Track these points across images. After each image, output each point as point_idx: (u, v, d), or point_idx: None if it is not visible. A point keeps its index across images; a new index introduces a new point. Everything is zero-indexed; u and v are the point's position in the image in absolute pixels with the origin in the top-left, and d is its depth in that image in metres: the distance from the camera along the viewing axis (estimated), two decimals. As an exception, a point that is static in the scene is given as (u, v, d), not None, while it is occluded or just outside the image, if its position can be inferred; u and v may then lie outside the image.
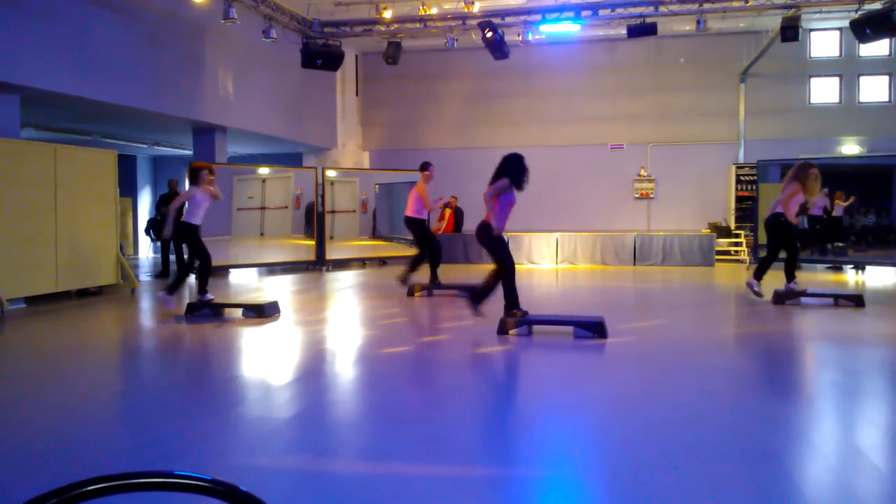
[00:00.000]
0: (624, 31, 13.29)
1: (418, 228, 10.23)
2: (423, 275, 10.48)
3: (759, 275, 9.27)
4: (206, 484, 1.10)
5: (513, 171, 7.10)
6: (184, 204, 8.52)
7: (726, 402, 4.71)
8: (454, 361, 6.25)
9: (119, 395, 5.28)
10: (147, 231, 16.48)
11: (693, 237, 15.46)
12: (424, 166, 10.28)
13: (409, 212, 10.23)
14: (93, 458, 3.68)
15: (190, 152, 16.11)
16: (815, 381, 5.57)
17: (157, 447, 3.83)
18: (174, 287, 8.63)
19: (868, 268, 14.35)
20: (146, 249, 20.25)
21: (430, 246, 10.23)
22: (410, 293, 10.17)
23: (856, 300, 8.88)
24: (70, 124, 14.05)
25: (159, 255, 14.99)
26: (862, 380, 5.49)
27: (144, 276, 13.83)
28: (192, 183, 8.62)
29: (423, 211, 10.18)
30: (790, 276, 9.03)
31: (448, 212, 17.05)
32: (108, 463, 3.62)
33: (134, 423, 4.43)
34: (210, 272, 8.69)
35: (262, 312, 8.21)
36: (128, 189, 18.97)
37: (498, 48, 13.55)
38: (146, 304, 10.09)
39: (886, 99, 17.33)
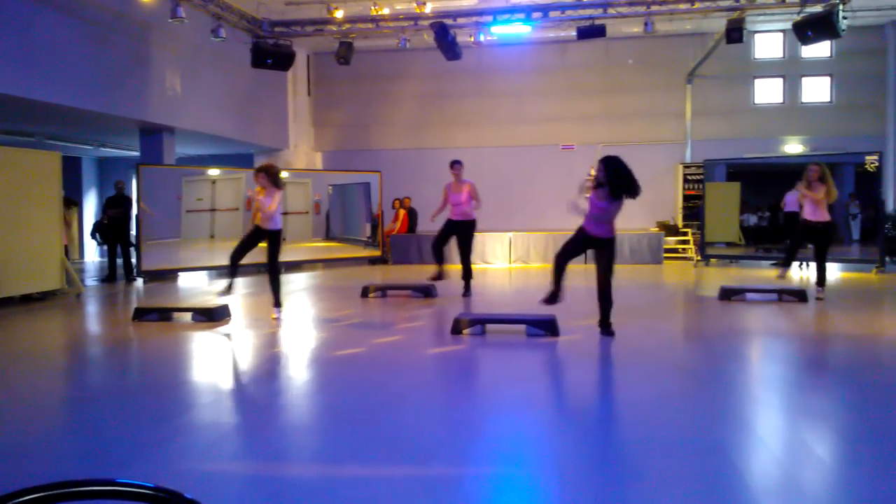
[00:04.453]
0: (574, 33, 13.44)
1: (473, 230, 9.80)
2: (374, 275, 10.43)
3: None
4: (149, 491, 1.08)
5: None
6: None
7: (675, 398, 4.80)
8: (408, 362, 6.25)
9: (66, 403, 5.15)
10: (93, 234, 16.08)
11: (642, 236, 15.73)
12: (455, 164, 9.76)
13: (464, 215, 9.65)
14: (39, 468, 3.59)
15: (137, 154, 15.78)
16: (762, 375, 5.72)
17: (106, 455, 3.75)
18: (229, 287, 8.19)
19: (811, 264, 14.78)
20: (92, 253, 19.77)
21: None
22: (365, 294, 10.12)
23: (799, 295, 9.14)
24: (12, 125, 13.64)
25: (106, 259, 14.62)
26: (805, 373, 5.66)
27: (90, 280, 13.51)
28: (276, 185, 7.89)
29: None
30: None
31: (402, 213, 17.04)
32: (55, 472, 3.53)
33: (81, 431, 4.32)
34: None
35: (212, 316, 8.07)
36: (73, 192, 18.46)
37: (450, 49, 13.59)
38: (92, 309, 9.85)
39: (828, 99, 17.85)
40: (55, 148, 14.06)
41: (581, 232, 6.94)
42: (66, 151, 15.09)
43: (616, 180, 6.50)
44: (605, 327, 6.86)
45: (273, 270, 8.07)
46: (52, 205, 10.55)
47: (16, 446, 3.92)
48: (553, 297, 7.01)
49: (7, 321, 8.68)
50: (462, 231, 9.79)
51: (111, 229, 13.62)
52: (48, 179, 10.51)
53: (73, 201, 12.10)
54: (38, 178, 10.29)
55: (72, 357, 6.77)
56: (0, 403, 4.93)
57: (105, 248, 14.71)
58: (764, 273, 13.59)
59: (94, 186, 20.62)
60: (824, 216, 9.04)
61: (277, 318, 8.01)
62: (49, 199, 10.50)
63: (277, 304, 8.07)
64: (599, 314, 6.87)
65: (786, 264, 9.90)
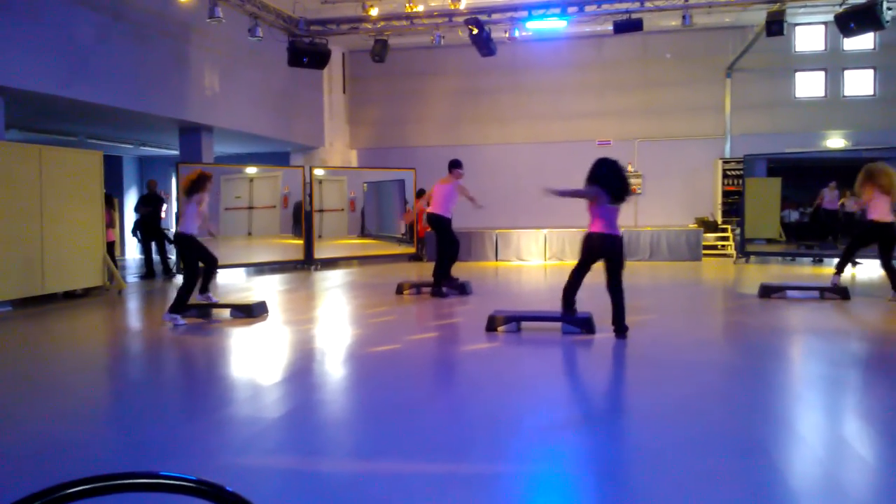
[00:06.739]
0: (610, 27, 13.30)
1: (445, 226, 9.89)
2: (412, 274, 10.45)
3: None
4: (191, 484, 1.10)
5: (604, 179, 6.79)
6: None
7: (715, 396, 4.73)
8: (443, 359, 6.26)
9: (107, 397, 5.26)
10: (133, 232, 16.35)
11: (680, 232, 15.52)
12: (458, 164, 10.14)
13: (438, 209, 9.82)
14: (81, 460, 3.67)
15: (176, 152, 16.02)
16: (803, 373, 5.61)
17: (147, 448, 3.82)
18: (179, 306, 7.80)
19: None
20: (133, 250, 20.14)
21: (452, 244, 9.95)
22: (399, 291, 10.17)
23: (841, 293, 8.94)
24: (55, 125, 13.93)
25: (144, 257, 14.85)
26: (848, 372, 5.54)
27: (131, 277, 13.76)
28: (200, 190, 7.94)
29: (450, 208, 9.91)
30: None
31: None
32: (97, 464, 3.60)
33: (123, 424, 4.41)
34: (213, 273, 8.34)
35: (251, 312, 8.18)
36: (114, 190, 18.81)
37: (485, 45, 13.54)
38: (133, 306, 10.04)
39: (871, 93, 17.42)
40: (97, 147, 14.34)
41: (593, 242, 6.72)
42: (108, 150, 15.40)
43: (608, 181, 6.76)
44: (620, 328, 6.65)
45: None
46: (94, 203, 10.76)
47: (59, 440, 4.01)
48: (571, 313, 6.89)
49: (51, 317, 8.89)
50: (440, 226, 9.84)
51: (144, 227, 13.84)
52: (90, 178, 10.73)
53: (112, 199, 12.51)
54: (80, 176, 10.50)
55: (113, 352, 6.91)
56: (43, 397, 5.05)
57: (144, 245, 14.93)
58: (804, 270, 13.35)
59: (135, 184, 20.99)
60: (879, 216, 8.65)
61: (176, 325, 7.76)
62: (91, 197, 10.71)
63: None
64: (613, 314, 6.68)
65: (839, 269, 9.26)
